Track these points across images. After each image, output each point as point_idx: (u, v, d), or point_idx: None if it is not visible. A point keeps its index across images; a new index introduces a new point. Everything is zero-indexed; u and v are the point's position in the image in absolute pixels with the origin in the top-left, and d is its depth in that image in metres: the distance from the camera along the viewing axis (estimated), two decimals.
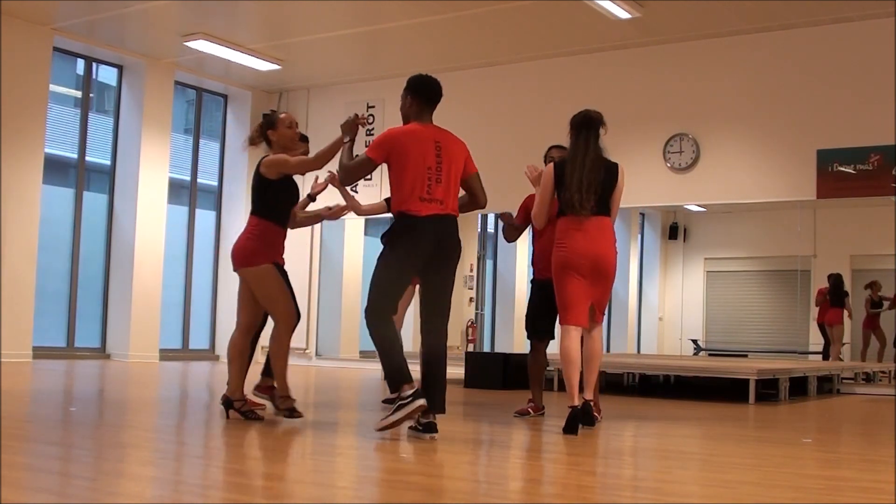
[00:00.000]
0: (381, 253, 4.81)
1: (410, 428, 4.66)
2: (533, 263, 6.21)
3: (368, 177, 12.72)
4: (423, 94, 4.88)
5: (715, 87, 9.96)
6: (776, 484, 3.74)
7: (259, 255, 5.13)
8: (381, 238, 4.86)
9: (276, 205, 5.24)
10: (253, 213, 5.24)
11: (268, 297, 5.17)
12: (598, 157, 5.20)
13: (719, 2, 9.03)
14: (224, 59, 11.23)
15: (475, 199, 5.02)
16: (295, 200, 5.38)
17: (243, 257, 5.15)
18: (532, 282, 6.15)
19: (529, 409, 6.04)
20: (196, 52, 11.02)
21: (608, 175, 5.20)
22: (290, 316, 5.20)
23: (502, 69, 11.08)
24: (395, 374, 4.63)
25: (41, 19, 10.24)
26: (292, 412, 5.29)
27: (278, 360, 5.28)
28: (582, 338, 5.18)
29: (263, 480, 3.52)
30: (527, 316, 6.10)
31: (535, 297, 6.05)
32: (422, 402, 4.50)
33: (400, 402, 4.54)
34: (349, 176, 4.91)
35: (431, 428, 4.59)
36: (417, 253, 4.72)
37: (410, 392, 4.54)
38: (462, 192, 5.00)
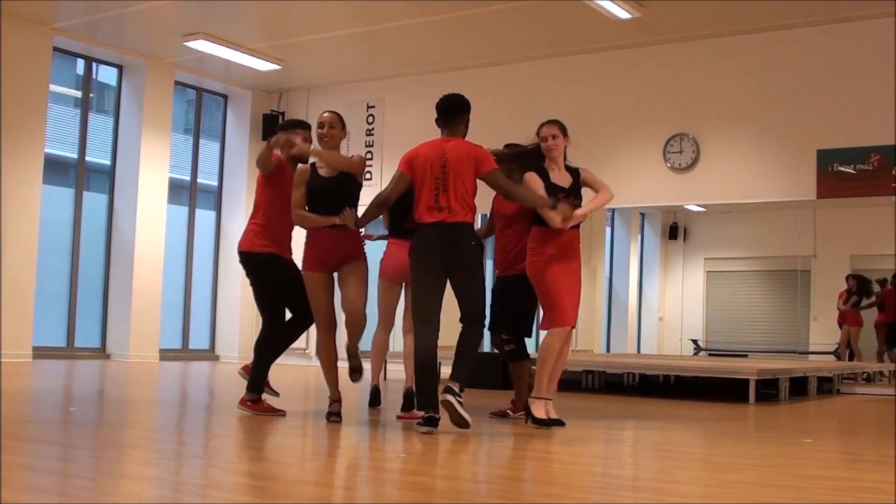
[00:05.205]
0: None
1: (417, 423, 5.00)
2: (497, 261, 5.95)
3: (368, 175, 12.63)
4: (437, 112, 5.22)
5: (715, 87, 9.96)
6: (776, 484, 3.74)
7: None
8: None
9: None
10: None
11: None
12: None
13: (719, 2, 9.03)
14: (224, 59, 11.23)
15: (503, 194, 5.31)
16: None
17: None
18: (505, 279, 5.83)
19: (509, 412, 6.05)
20: (196, 52, 11.02)
21: None
22: None
23: (502, 69, 11.07)
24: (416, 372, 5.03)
25: (41, 19, 10.24)
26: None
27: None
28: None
29: (263, 480, 3.52)
30: (519, 315, 5.83)
31: (515, 295, 5.75)
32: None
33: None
34: (393, 192, 5.16)
35: (428, 421, 4.89)
36: (428, 257, 5.01)
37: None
38: None
